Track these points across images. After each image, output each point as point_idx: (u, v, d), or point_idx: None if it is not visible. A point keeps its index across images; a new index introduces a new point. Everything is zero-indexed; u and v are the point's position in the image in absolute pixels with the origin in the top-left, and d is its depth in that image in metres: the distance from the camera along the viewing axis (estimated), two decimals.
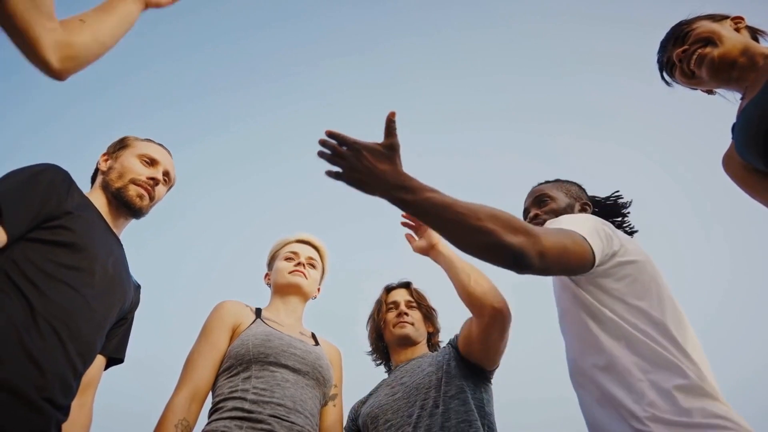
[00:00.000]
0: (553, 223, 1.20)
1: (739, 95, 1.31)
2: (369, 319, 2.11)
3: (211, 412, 1.64)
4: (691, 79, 1.36)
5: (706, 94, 1.46)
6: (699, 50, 1.30)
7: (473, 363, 1.72)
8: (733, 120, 1.29)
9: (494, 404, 1.78)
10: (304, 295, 1.99)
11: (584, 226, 1.19)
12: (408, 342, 1.95)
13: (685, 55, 1.33)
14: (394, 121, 1.05)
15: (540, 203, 1.61)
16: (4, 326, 1.17)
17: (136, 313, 1.67)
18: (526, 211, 1.65)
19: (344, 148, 1.06)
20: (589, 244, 1.14)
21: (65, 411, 1.30)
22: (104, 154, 1.65)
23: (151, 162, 1.63)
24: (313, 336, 1.94)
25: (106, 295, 1.42)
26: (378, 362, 2.08)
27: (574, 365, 1.31)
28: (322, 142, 1.08)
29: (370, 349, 2.11)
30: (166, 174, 1.66)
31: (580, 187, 1.67)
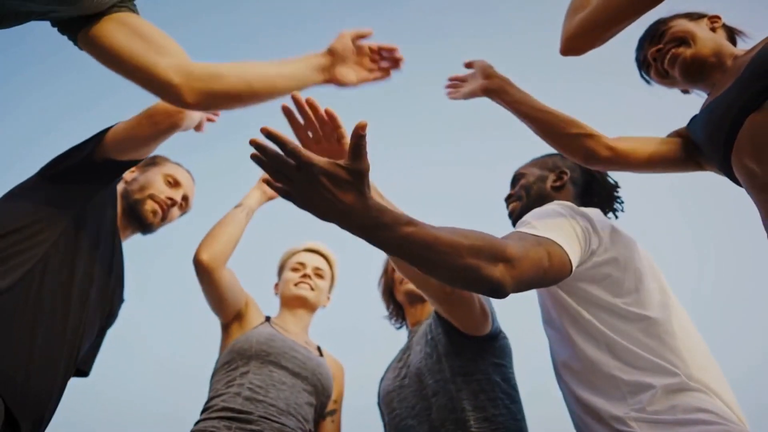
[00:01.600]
0: (524, 226, 1.09)
1: (706, 94, 1.30)
2: (379, 279, 1.97)
3: (203, 411, 1.65)
4: (665, 79, 1.35)
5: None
6: (673, 50, 1.29)
7: (454, 327, 1.46)
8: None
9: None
10: (310, 307, 2.00)
11: (560, 228, 1.10)
12: (416, 298, 1.76)
13: (660, 54, 1.33)
14: (364, 137, 0.76)
15: (513, 183, 1.61)
16: (51, 310, 1.26)
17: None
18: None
19: (291, 161, 0.76)
20: (566, 254, 1.04)
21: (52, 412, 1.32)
22: None
23: (175, 183, 1.67)
24: (318, 348, 1.96)
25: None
26: (398, 326, 1.92)
27: (555, 369, 1.30)
28: (258, 145, 0.77)
29: (387, 312, 1.94)
30: (185, 199, 1.70)
31: (562, 157, 1.57)
